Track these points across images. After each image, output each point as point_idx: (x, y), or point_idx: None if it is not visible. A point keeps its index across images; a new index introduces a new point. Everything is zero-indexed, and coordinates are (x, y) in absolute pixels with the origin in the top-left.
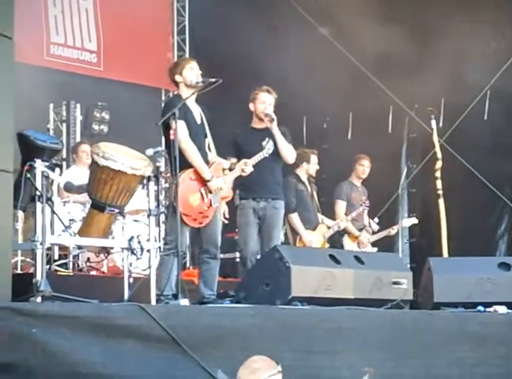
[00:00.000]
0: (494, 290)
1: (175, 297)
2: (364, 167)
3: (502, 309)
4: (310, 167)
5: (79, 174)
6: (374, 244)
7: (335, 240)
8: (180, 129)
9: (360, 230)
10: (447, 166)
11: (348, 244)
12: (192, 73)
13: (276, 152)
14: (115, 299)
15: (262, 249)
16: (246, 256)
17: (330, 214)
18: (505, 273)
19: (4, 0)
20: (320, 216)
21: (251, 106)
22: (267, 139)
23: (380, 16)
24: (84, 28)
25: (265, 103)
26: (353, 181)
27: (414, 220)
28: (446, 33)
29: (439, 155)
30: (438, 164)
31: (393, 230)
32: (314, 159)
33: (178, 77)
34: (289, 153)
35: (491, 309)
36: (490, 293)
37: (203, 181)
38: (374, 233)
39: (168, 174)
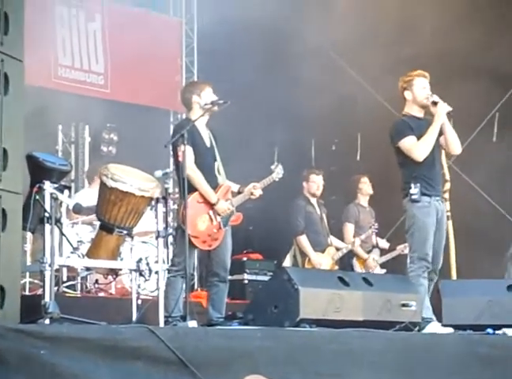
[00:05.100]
0: (503, 313)
1: (184, 319)
2: (367, 184)
3: None
4: (310, 186)
5: (92, 195)
6: (384, 265)
7: (345, 262)
8: (187, 155)
9: (369, 252)
10: (456, 188)
11: (357, 266)
12: (211, 96)
13: (439, 145)
14: (123, 321)
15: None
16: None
17: (340, 236)
18: None
19: (15, 23)
20: (329, 238)
21: (408, 95)
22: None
23: (388, 41)
24: (92, 50)
25: (425, 87)
26: (361, 203)
27: None
28: (456, 52)
29: (448, 176)
30: (447, 186)
31: (406, 249)
32: (313, 177)
33: (196, 98)
34: (458, 142)
35: (500, 332)
36: (499, 315)
37: (210, 204)
38: (384, 250)
39: (177, 195)
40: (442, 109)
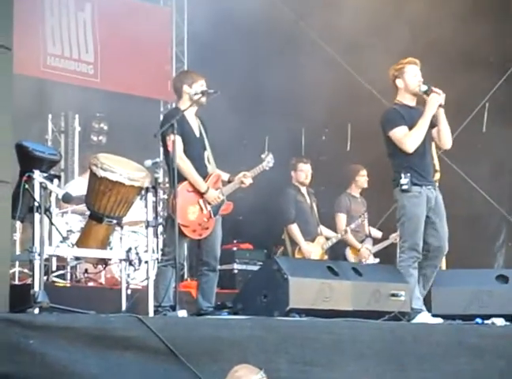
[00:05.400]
0: (492, 303)
1: (173, 308)
2: (365, 177)
3: (500, 322)
4: (298, 175)
5: (84, 184)
6: (377, 254)
7: (338, 252)
8: (176, 144)
9: (361, 241)
10: (445, 178)
11: (351, 256)
12: (202, 89)
13: (430, 135)
14: (113, 310)
15: (432, 242)
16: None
17: (330, 226)
18: (503, 285)
19: (4, 11)
20: (319, 228)
21: (399, 83)
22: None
23: (378, 31)
24: (82, 40)
25: (416, 75)
26: (352, 193)
27: None
28: (446, 45)
29: (437, 166)
30: (437, 176)
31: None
32: (301, 166)
33: (186, 88)
34: (450, 137)
35: (489, 322)
36: (488, 305)
37: (200, 193)
38: (377, 240)
39: (167, 185)
40: (434, 99)
